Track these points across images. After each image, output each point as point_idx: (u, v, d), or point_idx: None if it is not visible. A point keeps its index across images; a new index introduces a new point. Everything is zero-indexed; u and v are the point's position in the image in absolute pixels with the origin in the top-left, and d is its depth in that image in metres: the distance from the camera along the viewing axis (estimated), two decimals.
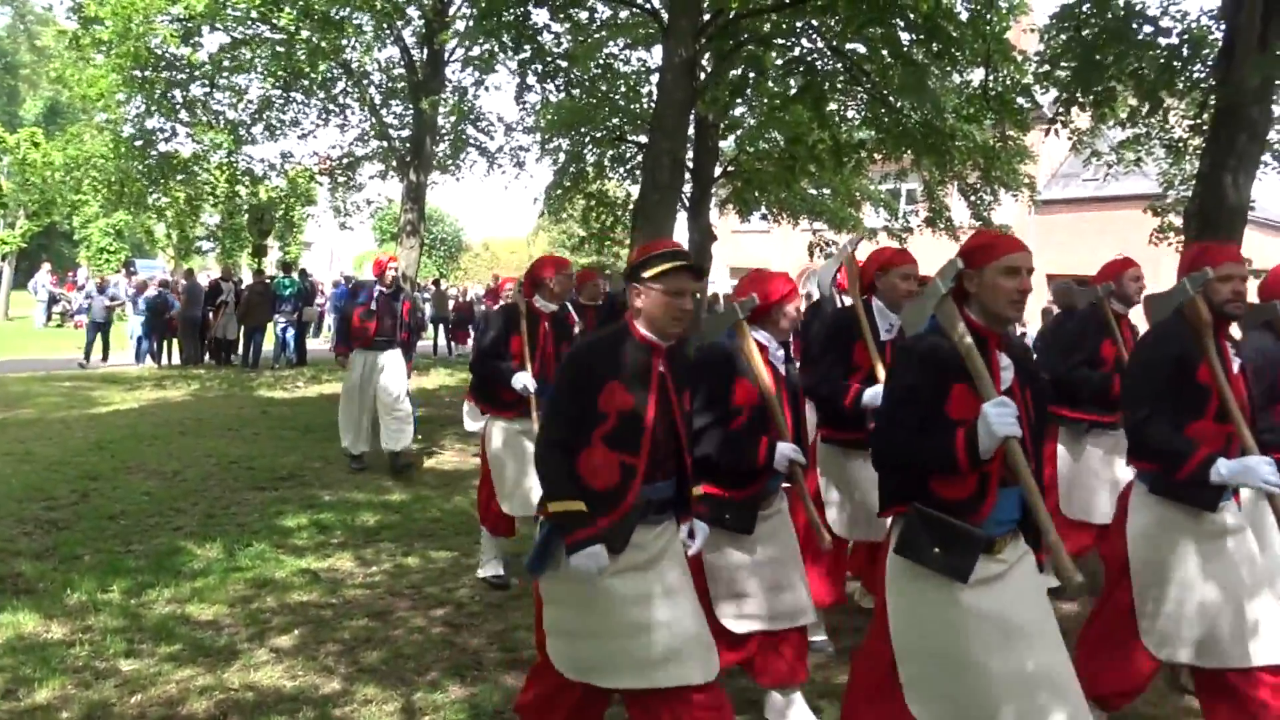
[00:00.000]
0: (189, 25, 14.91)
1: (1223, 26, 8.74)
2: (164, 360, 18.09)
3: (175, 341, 18.37)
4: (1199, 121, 11.00)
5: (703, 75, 12.04)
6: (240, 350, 18.00)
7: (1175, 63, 9.52)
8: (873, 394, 4.26)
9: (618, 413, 2.99)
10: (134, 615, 4.91)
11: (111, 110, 16.13)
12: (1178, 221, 14.12)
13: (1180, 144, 12.77)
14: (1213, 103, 8.94)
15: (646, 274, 3.05)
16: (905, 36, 11.14)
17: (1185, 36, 9.48)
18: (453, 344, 23.21)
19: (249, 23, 15.03)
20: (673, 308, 3.04)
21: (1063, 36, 10.35)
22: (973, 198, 16.50)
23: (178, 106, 16.78)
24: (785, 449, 3.66)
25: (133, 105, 16.56)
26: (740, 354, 3.75)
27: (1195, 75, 9.80)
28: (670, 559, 3.14)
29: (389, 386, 8.60)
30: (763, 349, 3.81)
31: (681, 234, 14.75)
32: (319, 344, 21.05)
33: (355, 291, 9.45)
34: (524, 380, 5.39)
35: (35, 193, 21.36)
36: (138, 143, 16.80)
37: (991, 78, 12.07)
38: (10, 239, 26.91)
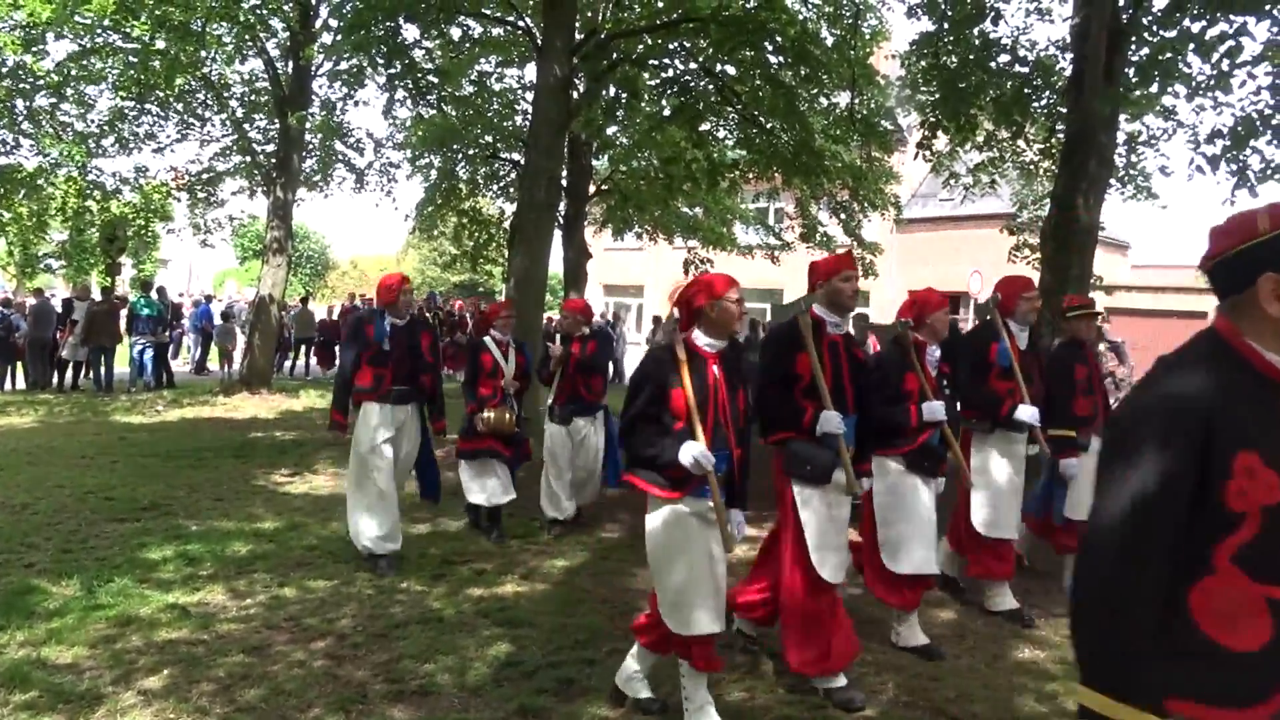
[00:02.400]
0: (32, 32, 14.11)
1: (1069, 57, 9.32)
2: (7, 385, 16.98)
3: (20, 365, 17.28)
4: (1049, 145, 11.70)
5: (576, 95, 12.11)
6: (91, 373, 17.05)
7: (1027, 90, 10.11)
8: None
9: (1261, 510, 1.73)
10: None
11: None
12: (1034, 240, 14.93)
13: (1032, 166, 13.51)
14: (1061, 128, 9.50)
15: None
16: (774, 59, 11.46)
17: (1035, 66, 10.08)
18: (314, 364, 21.91)
19: (99, 31, 14.31)
20: None
21: (922, 63, 10.87)
22: (843, 215, 17.00)
23: (20, 117, 15.86)
24: None
25: None
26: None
27: (1046, 102, 10.42)
28: None
29: (408, 456, 6.69)
30: None
31: (557, 252, 14.74)
32: (176, 365, 20.06)
33: (355, 330, 6.62)
34: (694, 453, 3.79)
35: None
36: None
37: (856, 101, 12.54)
38: None
